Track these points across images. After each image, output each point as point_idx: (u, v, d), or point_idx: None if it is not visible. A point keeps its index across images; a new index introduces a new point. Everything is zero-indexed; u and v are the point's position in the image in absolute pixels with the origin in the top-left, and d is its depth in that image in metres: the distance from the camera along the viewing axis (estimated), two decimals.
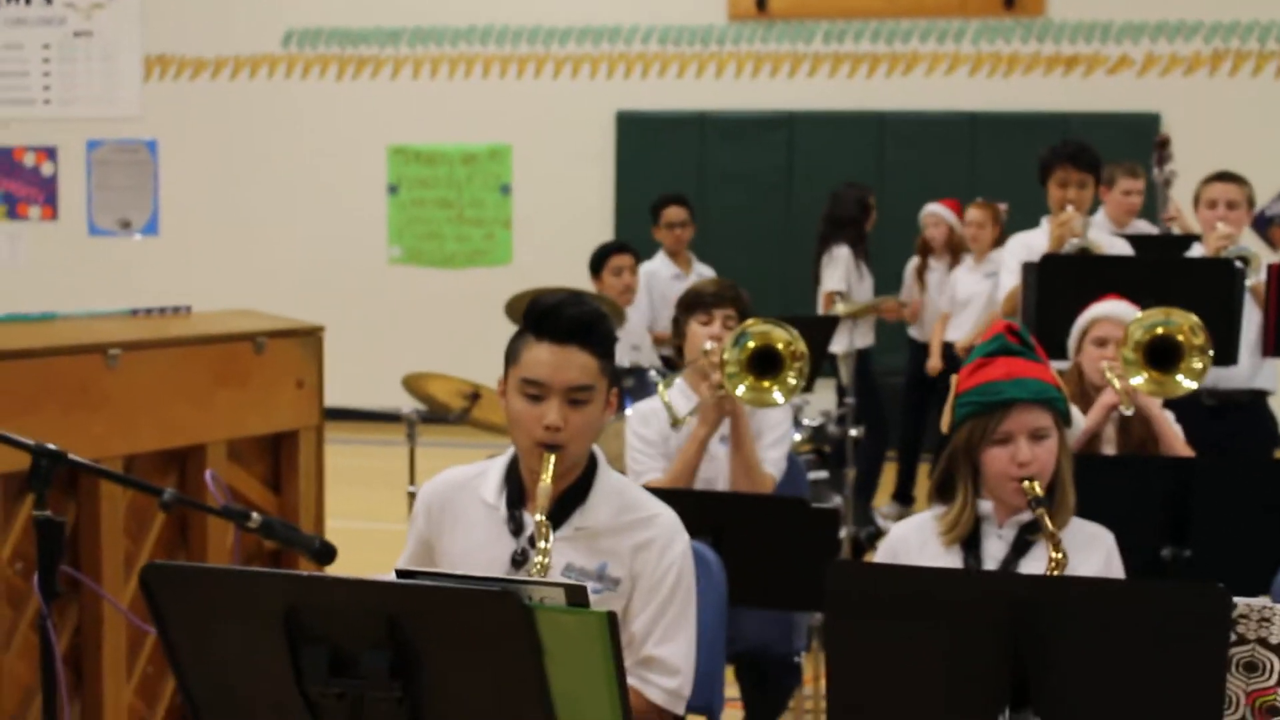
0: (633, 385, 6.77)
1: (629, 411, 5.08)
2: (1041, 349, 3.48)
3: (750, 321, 4.80)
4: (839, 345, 8.35)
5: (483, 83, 13.41)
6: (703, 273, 8.78)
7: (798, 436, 7.28)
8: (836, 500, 7.71)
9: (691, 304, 5.03)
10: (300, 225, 13.57)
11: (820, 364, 7.22)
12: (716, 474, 4.90)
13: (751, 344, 4.73)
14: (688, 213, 9.02)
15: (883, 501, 9.81)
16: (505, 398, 3.23)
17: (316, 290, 13.20)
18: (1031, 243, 6.49)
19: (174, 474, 4.62)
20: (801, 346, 4.71)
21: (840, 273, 9.07)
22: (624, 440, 5.05)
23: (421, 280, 13.49)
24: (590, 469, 3.28)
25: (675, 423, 4.83)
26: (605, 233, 12.27)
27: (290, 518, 5.07)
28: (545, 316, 3.18)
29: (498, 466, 3.32)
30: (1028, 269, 5.67)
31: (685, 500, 3.89)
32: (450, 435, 7.59)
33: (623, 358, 7.06)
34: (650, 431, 4.92)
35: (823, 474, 7.68)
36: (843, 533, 7.56)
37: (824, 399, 9.50)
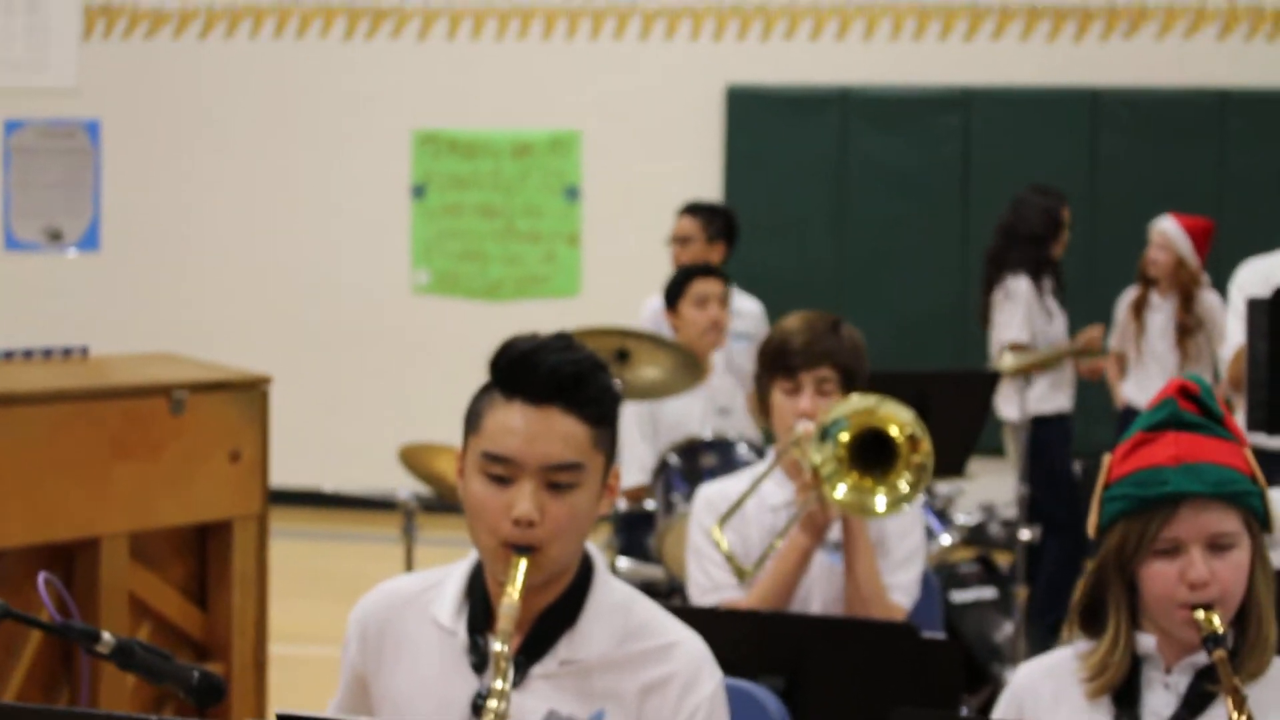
0: (715, 464, 6.76)
1: (698, 497, 5.03)
2: (1233, 422, 3.40)
3: (845, 404, 4.69)
4: (1010, 410, 8.28)
5: (543, 47, 13.49)
6: (741, 307, 8.43)
7: (948, 539, 7.23)
8: (1007, 629, 7.65)
9: (772, 361, 4.90)
10: (292, 240, 13.68)
11: (977, 434, 7.18)
12: (808, 591, 4.84)
13: (845, 435, 4.68)
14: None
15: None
16: (463, 479, 3.23)
17: (311, 328, 13.31)
18: (1273, 271, 6.41)
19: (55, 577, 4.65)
20: (925, 443, 4.64)
21: (1020, 315, 9.00)
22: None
23: (455, 316, 13.52)
24: (582, 579, 3.25)
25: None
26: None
27: (220, 641, 5.10)
28: (516, 366, 3.16)
29: (457, 576, 3.31)
30: (1255, 309, 5.58)
31: (741, 625, 3.87)
32: (463, 529, 7.56)
33: (703, 426, 7.06)
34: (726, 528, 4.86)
35: (988, 592, 7.62)
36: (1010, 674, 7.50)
37: (991, 486, 9.41)
